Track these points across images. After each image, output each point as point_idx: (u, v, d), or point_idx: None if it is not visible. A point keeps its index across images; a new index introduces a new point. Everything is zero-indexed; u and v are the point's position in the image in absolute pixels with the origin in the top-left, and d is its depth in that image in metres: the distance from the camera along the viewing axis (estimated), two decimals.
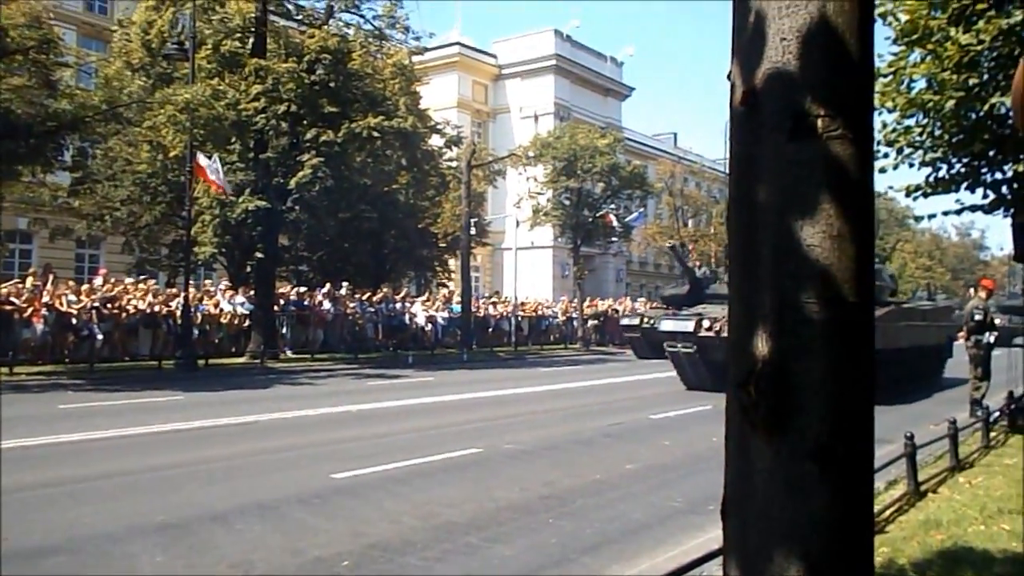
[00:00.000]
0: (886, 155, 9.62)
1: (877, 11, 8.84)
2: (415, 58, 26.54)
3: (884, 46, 10.77)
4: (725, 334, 13.53)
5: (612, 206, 36.38)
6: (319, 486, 7.23)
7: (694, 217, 51.70)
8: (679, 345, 15.33)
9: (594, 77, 51.98)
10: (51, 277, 18.64)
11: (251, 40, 21.97)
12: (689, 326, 15.12)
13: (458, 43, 48.23)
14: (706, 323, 14.99)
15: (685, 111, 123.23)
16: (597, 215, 35.78)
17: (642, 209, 40.43)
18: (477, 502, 6.83)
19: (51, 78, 17.09)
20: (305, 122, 22.02)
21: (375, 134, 22.27)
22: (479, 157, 33.58)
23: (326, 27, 22.80)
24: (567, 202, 35.95)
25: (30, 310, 17.24)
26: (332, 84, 22.16)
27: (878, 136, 9.38)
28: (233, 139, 21.10)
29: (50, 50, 16.71)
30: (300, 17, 23.68)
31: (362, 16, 23.80)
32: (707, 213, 52.02)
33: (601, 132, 38.20)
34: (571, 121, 43.56)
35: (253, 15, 21.49)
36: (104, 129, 19.21)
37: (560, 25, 51.14)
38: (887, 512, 6.12)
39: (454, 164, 31.20)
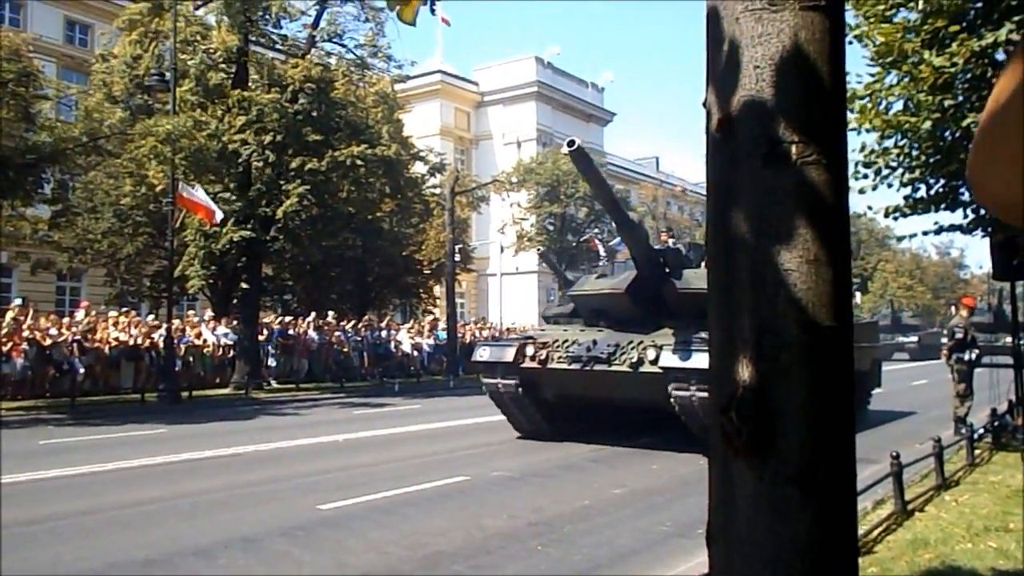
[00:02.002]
0: (865, 176, 9.74)
1: (853, 33, 9.00)
2: (397, 86, 26.70)
3: (861, 68, 10.88)
4: (554, 364, 10.96)
5: (596, 231, 36.59)
6: (304, 518, 7.15)
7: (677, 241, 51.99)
8: (499, 380, 11.90)
9: (575, 103, 52.46)
10: (31, 310, 18.46)
11: (234, 71, 22.04)
12: (509, 355, 11.76)
13: (440, 71, 48.59)
14: (530, 350, 11.64)
15: (666, 135, 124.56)
16: (581, 240, 35.99)
17: None
18: (465, 530, 6.77)
19: (30, 111, 17.06)
20: (289, 151, 22.06)
21: (359, 162, 22.32)
22: (462, 184, 33.73)
23: (309, 57, 22.92)
24: (551, 227, 36.14)
25: (10, 344, 17.05)
26: (315, 113, 22.23)
27: (857, 157, 9.51)
28: (218, 170, 21.08)
29: (29, 83, 16.69)
30: (283, 47, 23.78)
31: (344, 46, 23.96)
32: (690, 236, 52.35)
33: None
34: (553, 147, 43.81)
35: (236, 46, 21.57)
36: (84, 161, 19.16)
37: (541, 52, 51.79)
38: (875, 532, 6.12)
39: (437, 191, 31.30)
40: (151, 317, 22.45)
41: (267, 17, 22.46)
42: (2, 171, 16.28)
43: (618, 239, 38.09)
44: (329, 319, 25.34)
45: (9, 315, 17.92)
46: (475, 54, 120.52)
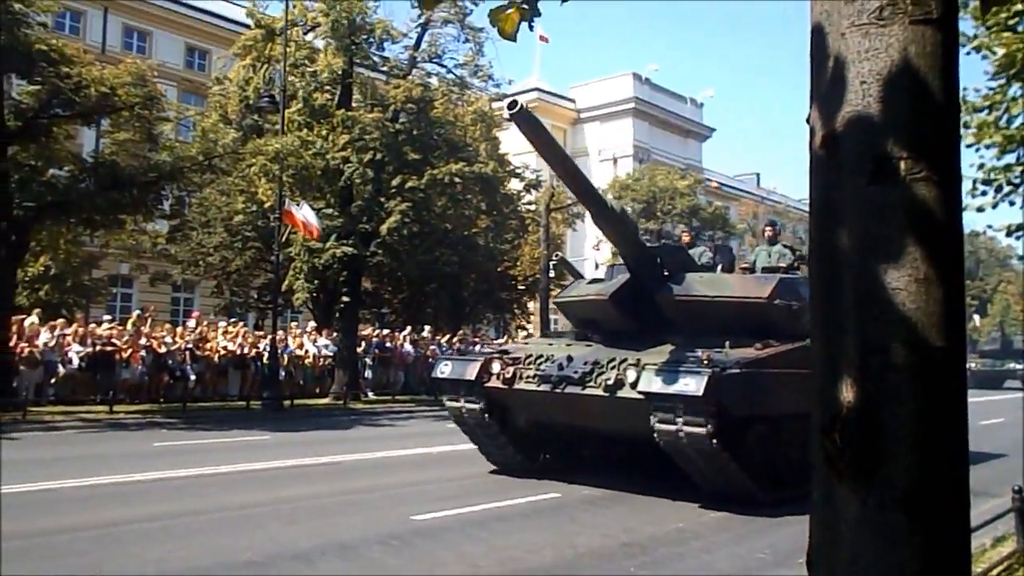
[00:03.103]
0: (984, 193, 9.24)
1: (972, 44, 8.59)
2: (495, 104, 27.08)
3: (982, 80, 10.26)
4: (522, 384, 9.20)
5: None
6: (399, 528, 7.28)
7: None
8: (462, 401, 10.10)
9: (674, 119, 51.90)
10: (149, 319, 19.53)
11: (338, 92, 22.85)
12: (471, 372, 9.85)
13: (537, 88, 48.95)
14: (496, 367, 9.73)
15: (768, 151, 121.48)
16: None
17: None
18: (556, 548, 6.75)
19: (153, 132, 18.15)
20: (389, 169, 22.66)
21: (456, 180, 22.73)
22: (558, 200, 33.79)
23: (410, 77, 23.52)
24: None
25: (130, 351, 18.08)
26: (415, 132, 22.78)
27: (975, 174, 9.04)
28: (322, 187, 21.87)
29: (153, 106, 17.74)
30: (385, 69, 24.50)
31: (444, 66, 24.50)
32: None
33: (681, 174, 38.05)
34: (650, 163, 43.48)
35: (341, 68, 22.37)
36: (200, 179, 20.19)
37: (639, 69, 51.44)
38: (995, 571, 5.76)
39: (533, 207, 31.49)
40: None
41: (371, 40, 23.19)
42: (127, 189, 17.34)
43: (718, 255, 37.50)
44: (425, 333, 25.81)
45: (130, 323, 19.02)
46: (573, 72, 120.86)
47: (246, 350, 20.57)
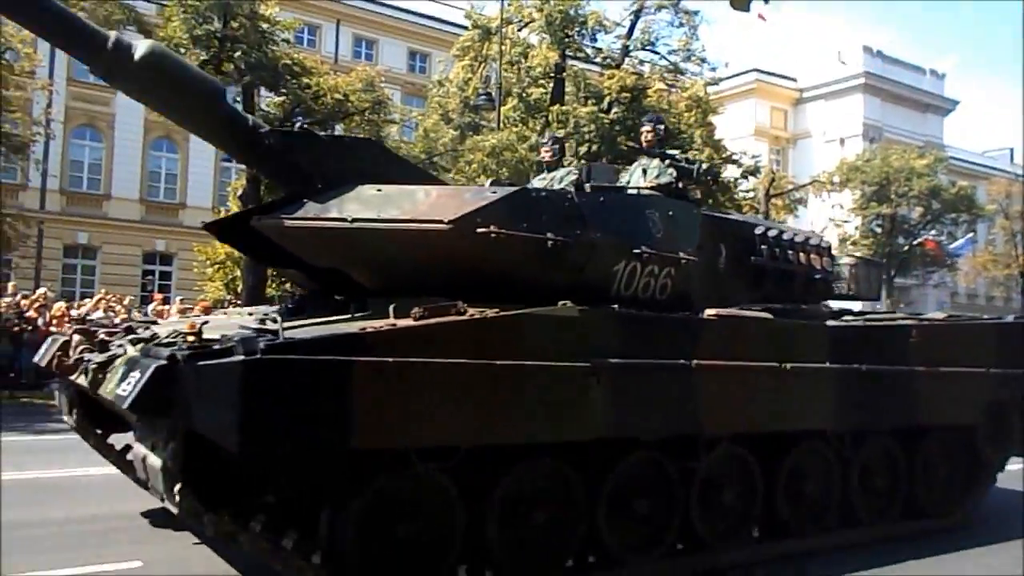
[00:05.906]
0: None
1: None
2: (710, 89, 26.20)
3: None
4: (78, 376, 5.26)
5: (933, 232, 32.93)
6: None
7: None
8: (58, 392, 6.67)
9: (910, 93, 47.56)
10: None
11: (551, 86, 23.14)
12: (48, 353, 5.97)
13: (755, 69, 46.84)
14: (76, 345, 5.50)
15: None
16: (914, 243, 32.53)
17: (971, 234, 36.09)
18: None
19: (381, 134, 19.41)
20: (603, 160, 22.63)
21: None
22: (778, 186, 32.17)
23: (623, 67, 23.33)
24: (879, 229, 33.17)
25: None
26: (629, 122, 22.56)
27: None
28: None
29: (381, 110, 18.98)
30: (597, 60, 24.48)
31: (657, 52, 24.05)
32: None
33: (919, 152, 34.90)
34: (883, 142, 40.24)
35: (555, 62, 22.63)
36: None
37: (870, 40, 47.72)
38: None
39: (751, 195, 30.17)
40: None
41: (583, 32, 23.25)
42: None
43: (961, 241, 33.93)
44: None
45: None
46: (795, 49, 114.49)
47: None
